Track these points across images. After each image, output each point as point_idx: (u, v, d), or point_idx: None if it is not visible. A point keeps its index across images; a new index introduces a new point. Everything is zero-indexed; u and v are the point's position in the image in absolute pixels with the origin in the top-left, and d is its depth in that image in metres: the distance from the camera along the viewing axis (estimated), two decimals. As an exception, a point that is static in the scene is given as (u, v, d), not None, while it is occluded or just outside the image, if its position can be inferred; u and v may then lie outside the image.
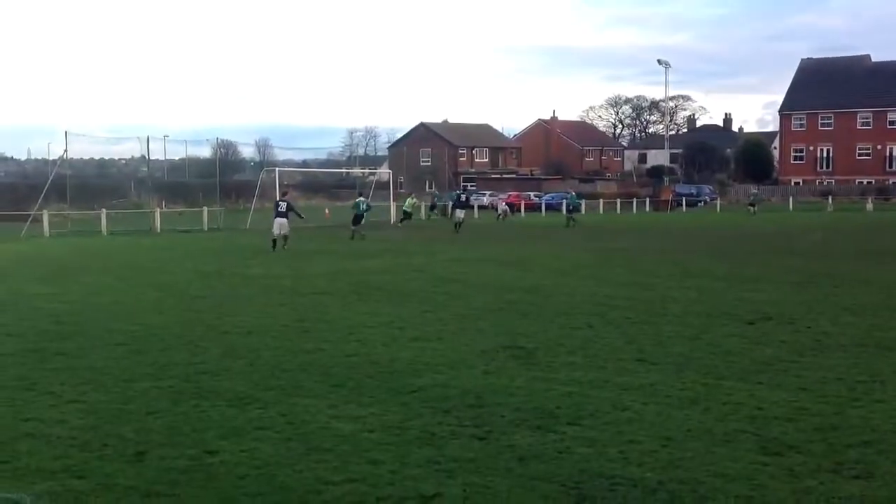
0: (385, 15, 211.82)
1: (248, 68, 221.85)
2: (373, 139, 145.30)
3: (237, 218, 45.38)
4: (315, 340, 11.48)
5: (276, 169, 58.57)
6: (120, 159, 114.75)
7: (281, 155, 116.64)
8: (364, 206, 35.63)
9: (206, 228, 42.22)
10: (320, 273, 20.79)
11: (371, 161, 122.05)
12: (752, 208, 58.22)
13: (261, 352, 10.74)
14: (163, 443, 7.05)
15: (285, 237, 28.02)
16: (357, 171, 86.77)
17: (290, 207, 28.88)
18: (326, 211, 53.75)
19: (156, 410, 8.05)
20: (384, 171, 73.93)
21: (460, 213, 40.01)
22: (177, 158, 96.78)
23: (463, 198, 44.05)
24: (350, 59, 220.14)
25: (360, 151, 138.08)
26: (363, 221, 34.76)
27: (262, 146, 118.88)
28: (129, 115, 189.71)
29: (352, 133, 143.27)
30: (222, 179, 59.37)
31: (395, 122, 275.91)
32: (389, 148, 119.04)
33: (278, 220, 28.33)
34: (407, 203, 49.32)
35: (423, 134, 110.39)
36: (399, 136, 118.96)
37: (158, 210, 45.78)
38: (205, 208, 45.66)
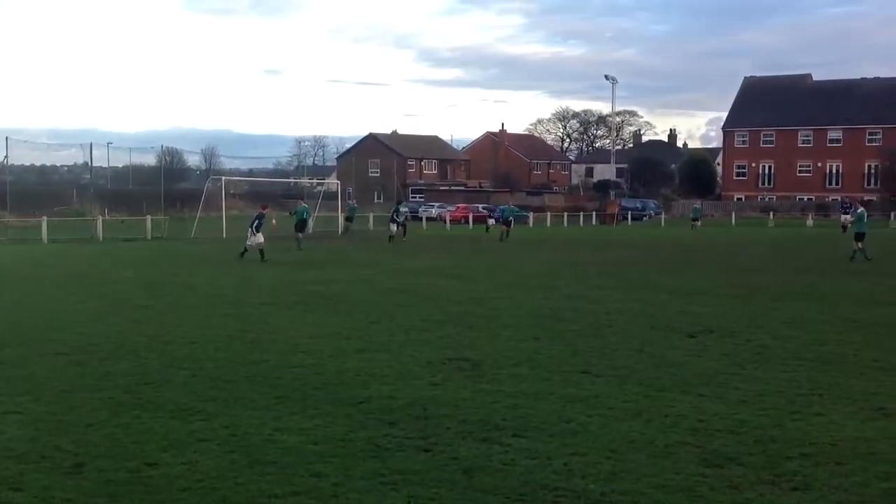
0: (327, 23, 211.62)
1: (194, 75, 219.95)
2: (321, 149, 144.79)
3: (182, 227, 44.78)
4: (260, 351, 11.38)
5: (223, 178, 58.10)
6: (62, 166, 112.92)
7: (228, 164, 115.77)
8: (306, 213, 35.32)
9: (149, 237, 41.60)
10: (266, 283, 20.62)
11: (319, 171, 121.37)
12: (695, 223, 59.08)
13: (204, 363, 10.61)
14: (102, 455, 6.92)
15: (261, 251, 27.31)
16: (305, 181, 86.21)
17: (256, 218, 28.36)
18: (273, 221, 53.30)
19: (95, 422, 7.90)
20: (332, 182, 73.66)
21: (394, 227, 40.04)
22: (120, 166, 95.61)
23: (401, 212, 43.25)
24: (298, 68, 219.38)
25: (309, 161, 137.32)
26: (309, 229, 34.36)
27: (209, 154, 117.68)
28: (71, 121, 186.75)
29: (300, 142, 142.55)
30: (167, 188, 58.59)
31: (344, 132, 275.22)
32: (338, 158, 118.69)
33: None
34: (402, 211, 45.43)
35: (372, 145, 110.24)
36: (348, 146, 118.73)
37: (101, 218, 45.01)
38: (148, 217, 44.97)
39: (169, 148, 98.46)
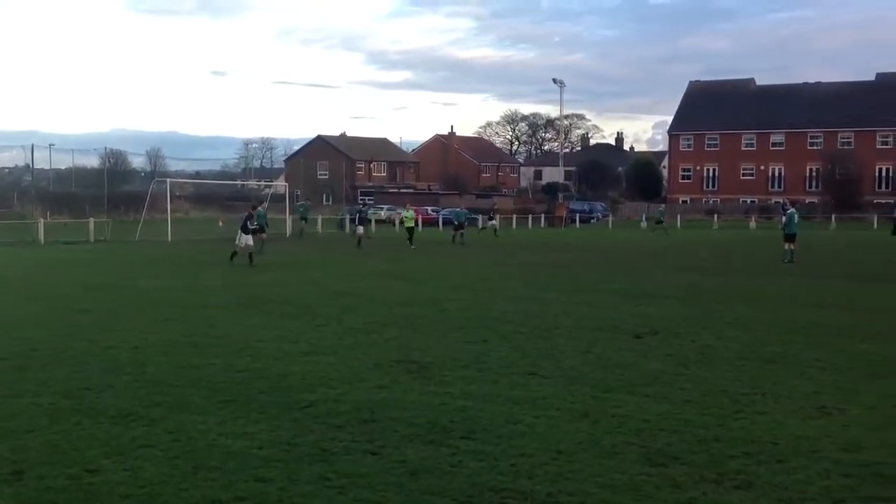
0: (274, 24, 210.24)
1: (139, 77, 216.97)
2: (269, 151, 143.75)
3: (126, 229, 44.10)
4: (204, 355, 11.23)
5: (168, 180, 57.36)
6: (3, 168, 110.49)
7: (173, 165, 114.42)
8: (264, 217, 34.21)
9: (92, 240, 40.86)
10: (212, 286, 20.39)
11: (267, 173, 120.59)
12: (658, 226, 59.23)
13: (147, 367, 10.44)
14: (42, 461, 6.78)
15: (250, 255, 26.43)
16: (252, 183, 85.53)
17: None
18: (220, 222, 52.79)
19: (35, 428, 7.73)
20: (280, 184, 73.07)
21: (361, 229, 39.47)
22: (63, 168, 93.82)
23: (363, 214, 43.08)
24: (245, 69, 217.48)
25: (256, 163, 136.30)
26: (265, 235, 32.94)
27: (154, 156, 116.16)
28: (12, 122, 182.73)
29: (247, 144, 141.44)
30: (110, 190, 57.70)
31: (292, 133, 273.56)
32: (286, 160, 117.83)
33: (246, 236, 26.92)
34: (408, 215, 42.33)
35: (321, 147, 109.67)
36: (296, 148, 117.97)
37: (42, 221, 44.09)
38: (91, 219, 44.22)
39: (113, 150, 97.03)
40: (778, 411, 8.47)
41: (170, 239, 41.70)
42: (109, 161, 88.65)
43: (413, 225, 41.40)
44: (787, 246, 28.78)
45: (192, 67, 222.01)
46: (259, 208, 34.86)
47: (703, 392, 9.27)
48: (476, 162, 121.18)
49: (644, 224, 60.83)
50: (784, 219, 30.75)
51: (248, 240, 26.56)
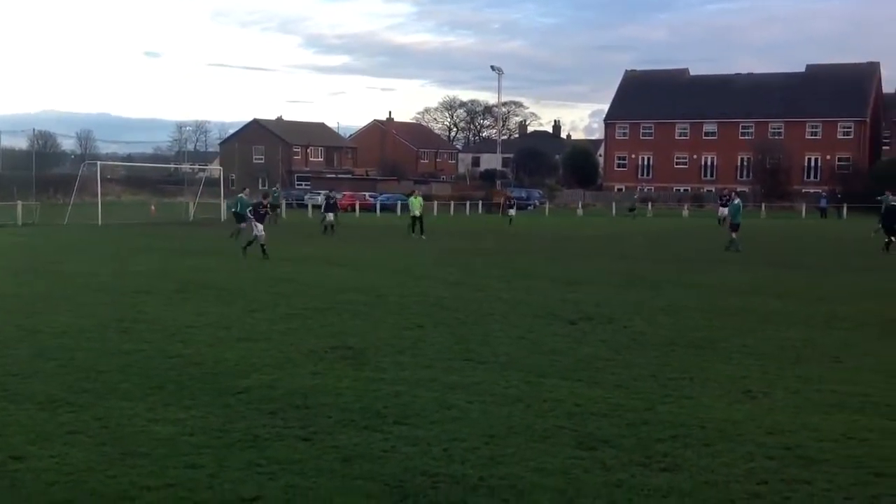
0: (210, 5, 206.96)
1: (69, 57, 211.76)
2: (203, 135, 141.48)
3: (55, 213, 43.11)
4: (135, 341, 11.05)
5: (98, 163, 56.23)
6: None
7: (105, 148, 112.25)
8: (246, 203, 31.57)
9: (20, 223, 39.88)
10: (143, 271, 20.06)
11: (201, 157, 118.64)
12: (630, 213, 59.85)
13: (75, 353, 10.24)
14: (-38, 450, 6.61)
15: (262, 245, 24.30)
16: (186, 166, 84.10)
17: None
18: (152, 207, 51.93)
19: (-44, 416, 7.53)
20: (215, 168, 72.12)
21: (331, 216, 38.19)
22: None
23: (332, 200, 41.16)
24: (179, 50, 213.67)
25: (190, 147, 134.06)
26: (244, 223, 30.08)
27: (85, 139, 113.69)
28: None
29: (181, 127, 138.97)
30: (39, 172, 56.32)
31: (228, 117, 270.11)
32: (221, 144, 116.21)
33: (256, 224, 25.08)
34: (415, 202, 36.26)
35: (257, 131, 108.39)
36: (231, 132, 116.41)
37: (-33, 203, 42.89)
38: (19, 202, 43.13)
39: (42, 131, 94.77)
40: (705, 396, 8.65)
41: (100, 223, 40.90)
42: (38, 143, 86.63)
43: (419, 214, 35.32)
44: (732, 235, 29.41)
45: (126, 47, 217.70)
46: (241, 195, 33.42)
47: (633, 377, 9.42)
48: (414, 148, 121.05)
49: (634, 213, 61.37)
50: (730, 209, 31.34)
51: (261, 229, 24.78)
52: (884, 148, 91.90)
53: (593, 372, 9.65)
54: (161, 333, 11.64)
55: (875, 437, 7.26)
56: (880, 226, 30.05)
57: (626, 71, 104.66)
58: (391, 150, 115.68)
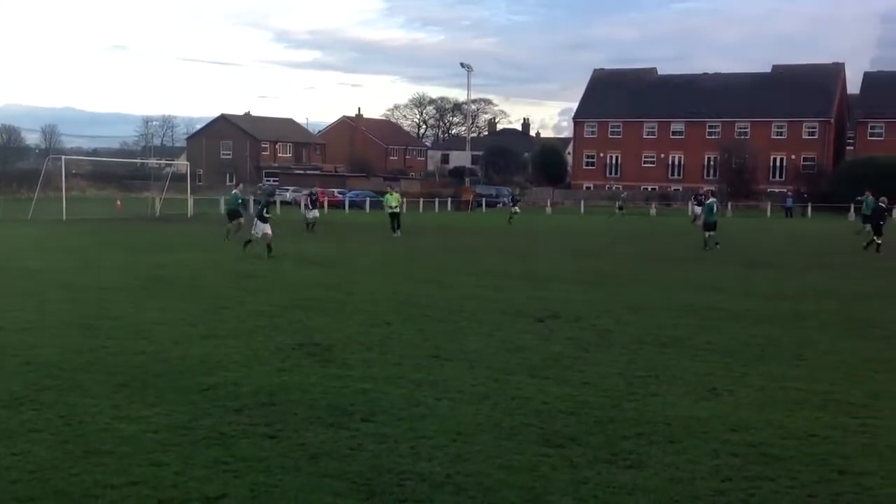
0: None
1: (32, 50, 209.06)
2: (170, 129, 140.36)
3: (18, 208, 42.56)
4: (99, 338, 10.93)
5: (63, 157, 55.57)
6: None
7: (70, 143, 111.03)
8: (240, 200, 31.67)
9: (-18, 218, 39.33)
10: (108, 267, 19.84)
11: (168, 152, 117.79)
12: (621, 210, 60.16)
13: (38, 350, 10.11)
14: (-79, 449, 6.50)
15: (269, 245, 23.67)
16: (153, 161, 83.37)
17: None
18: (118, 202, 51.41)
19: (-86, 414, 7.40)
20: (182, 163, 71.49)
21: (315, 212, 37.78)
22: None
23: (314, 197, 40.42)
24: (146, 44, 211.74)
25: (157, 142, 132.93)
26: (241, 220, 29.80)
27: (49, 133, 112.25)
28: None
29: (148, 122, 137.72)
30: (2, 167, 55.61)
31: (195, 112, 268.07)
32: (188, 139, 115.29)
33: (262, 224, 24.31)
34: (391, 199, 35.53)
35: (224, 126, 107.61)
36: (199, 127, 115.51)
37: (-72, 197, 42.20)
38: (-18, 197, 42.55)
39: (5, 125, 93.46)
40: (671, 393, 8.71)
41: (65, 218, 40.39)
42: (2, 137, 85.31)
43: (398, 211, 35.11)
44: (706, 234, 29.65)
45: (92, 40, 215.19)
46: (235, 191, 32.79)
47: (600, 374, 9.46)
48: (383, 144, 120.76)
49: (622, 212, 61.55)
50: (703, 208, 31.62)
51: (266, 228, 24.00)
52: (848, 148, 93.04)
53: (560, 369, 9.68)
54: (125, 330, 11.52)
55: (838, 435, 7.36)
56: (865, 226, 30.26)
57: (595, 70, 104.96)
58: (360, 146, 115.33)
